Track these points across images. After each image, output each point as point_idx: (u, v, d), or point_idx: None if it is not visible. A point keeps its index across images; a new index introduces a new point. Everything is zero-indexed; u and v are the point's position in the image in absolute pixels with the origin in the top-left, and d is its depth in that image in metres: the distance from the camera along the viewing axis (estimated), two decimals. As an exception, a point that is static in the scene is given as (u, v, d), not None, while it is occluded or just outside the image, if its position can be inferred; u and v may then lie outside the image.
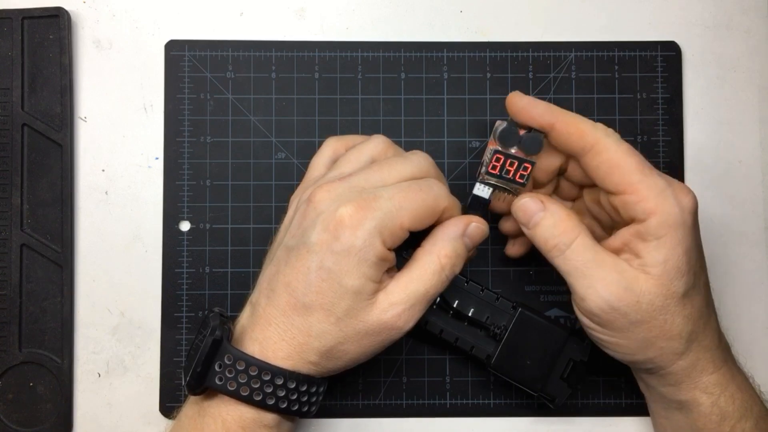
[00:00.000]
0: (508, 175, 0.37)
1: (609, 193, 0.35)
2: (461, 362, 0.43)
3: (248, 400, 0.33)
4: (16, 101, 0.43)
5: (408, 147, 0.44)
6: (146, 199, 0.43)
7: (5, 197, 0.43)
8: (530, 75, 0.44)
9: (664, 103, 0.44)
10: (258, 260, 0.43)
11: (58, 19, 0.43)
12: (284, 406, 0.34)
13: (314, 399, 0.35)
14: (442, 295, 0.37)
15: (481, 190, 0.38)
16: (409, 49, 0.44)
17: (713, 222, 0.44)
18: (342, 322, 0.34)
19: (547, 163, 0.38)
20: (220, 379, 0.33)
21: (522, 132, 0.36)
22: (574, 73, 0.44)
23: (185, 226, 0.43)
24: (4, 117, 0.43)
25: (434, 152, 0.44)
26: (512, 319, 0.39)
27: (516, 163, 0.36)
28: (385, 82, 0.44)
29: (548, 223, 0.35)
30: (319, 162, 0.39)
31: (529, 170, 0.36)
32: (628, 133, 0.44)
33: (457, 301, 0.39)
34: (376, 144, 0.37)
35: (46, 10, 0.43)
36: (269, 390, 0.33)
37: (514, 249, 0.42)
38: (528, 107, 0.36)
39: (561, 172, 0.39)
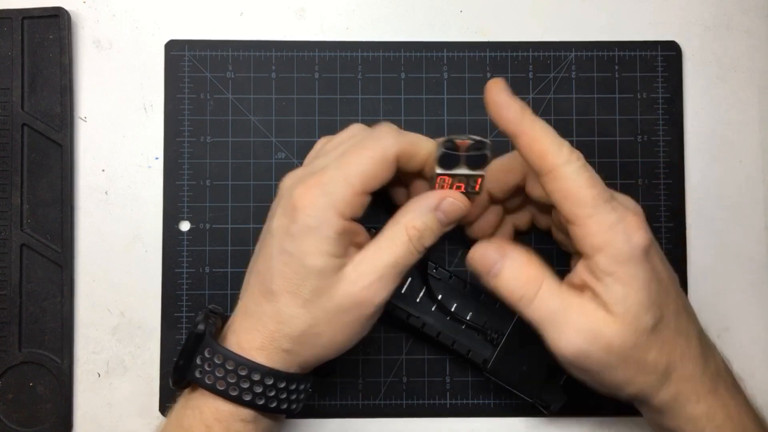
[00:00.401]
0: (460, 189, 0.35)
1: (564, 219, 0.34)
2: (461, 363, 0.43)
3: (225, 395, 0.34)
4: (16, 101, 0.43)
5: (408, 147, 0.44)
6: (146, 199, 0.43)
7: (5, 197, 0.43)
8: (530, 75, 0.44)
9: (665, 103, 0.44)
10: (258, 260, 0.43)
11: (58, 19, 0.43)
12: (261, 402, 0.34)
13: (294, 397, 0.35)
14: (439, 299, 0.37)
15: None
16: (409, 49, 0.44)
17: (713, 222, 0.44)
18: (310, 304, 0.33)
19: (504, 180, 0.37)
20: (200, 373, 0.34)
21: (464, 146, 0.34)
22: (574, 72, 0.44)
23: (185, 226, 0.43)
24: (4, 117, 0.43)
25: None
26: (510, 325, 0.39)
27: (465, 180, 0.34)
28: (385, 82, 0.44)
29: (509, 274, 0.34)
30: (307, 158, 0.39)
31: (479, 182, 0.35)
32: (628, 133, 0.44)
33: (455, 305, 0.39)
34: (350, 129, 0.37)
35: (46, 10, 0.43)
36: (246, 386, 0.33)
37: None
38: (501, 106, 0.34)
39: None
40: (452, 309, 0.39)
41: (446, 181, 0.34)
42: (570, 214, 0.33)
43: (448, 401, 0.43)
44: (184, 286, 0.43)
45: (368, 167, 0.34)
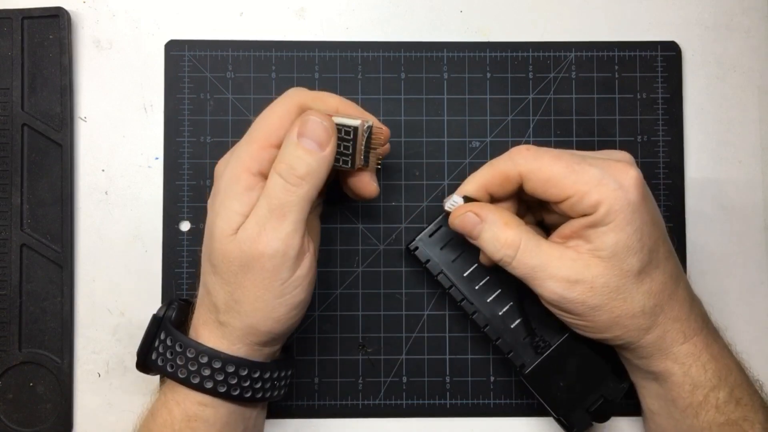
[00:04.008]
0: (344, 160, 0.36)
1: (557, 203, 0.36)
2: (461, 363, 0.43)
3: (186, 383, 0.34)
4: (16, 101, 0.43)
5: (408, 147, 0.44)
6: (146, 199, 0.43)
7: (5, 197, 0.43)
8: (530, 75, 0.44)
9: (664, 103, 0.44)
10: (258, 260, 0.43)
11: (58, 19, 0.43)
12: (210, 386, 0.34)
13: (259, 385, 0.35)
14: (498, 293, 0.40)
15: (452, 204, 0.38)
16: (409, 49, 0.44)
17: (713, 222, 0.44)
18: (218, 268, 0.34)
19: (501, 186, 0.38)
20: (158, 357, 0.35)
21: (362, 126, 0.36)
22: (574, 73, 0.44)
23: (185, 226, 0.43)
24: (4, 117, 0.43)
25: (434, 152, 0.44)
26: (560, 338, 0.39)
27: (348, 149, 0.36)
28: (385, 82, 0.44)
29: (488, 236, 0.36)
30: None
31: (351, 134, 0.35)
32: (628, 133, 0.44)
33: (510, 304, 0.40)
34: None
35: (46, 10, 0.43)
36: (207, 373, 0.34)
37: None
38: (458, 218, 0.37)
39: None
40: (507, 307, 0.40)
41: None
42: (559, 193, 0.35)
43: (448, 401, 0.43)
44: (184, 286, 0.43)
45: (270, 121, 0.35)
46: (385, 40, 0.44)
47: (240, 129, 0.43)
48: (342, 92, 0.44)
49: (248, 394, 0.35)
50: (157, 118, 0.44)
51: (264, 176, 0.34)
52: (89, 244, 0.43)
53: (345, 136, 0.35)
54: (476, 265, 0.41)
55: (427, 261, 0.41)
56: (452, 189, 0.43)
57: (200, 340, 0.35)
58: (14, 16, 0.43)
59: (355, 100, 0.44)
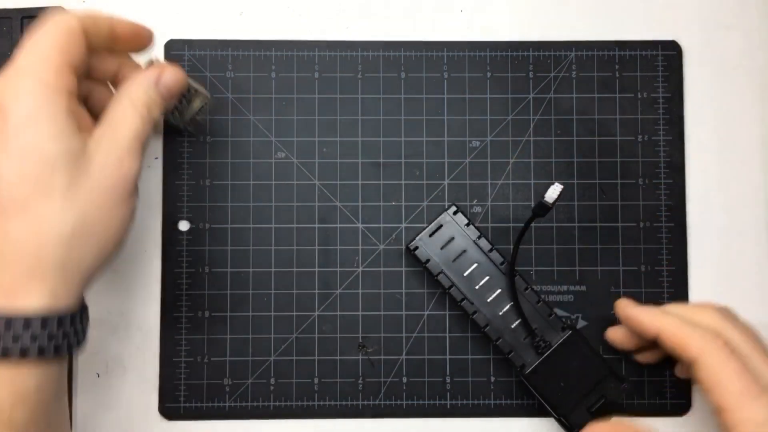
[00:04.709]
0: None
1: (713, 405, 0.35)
2: (461, 363, 0.43)
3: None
4: (16, 101, 0.43)
5: (408, 147, 0.44)
6: (146, 199, 0.43)
7: (5, 197, 0.43)
8: (530, 75, 0.44)
9: (665, 103, 0.44)
10: (258, 260, 0.43)
11: (58, 18, 0.43)
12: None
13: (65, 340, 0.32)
14: (498, 292, 0.39)
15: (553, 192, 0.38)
16: (409, 49, 0.44)
17: (714, 221, 0.44)
18: (71, 194, 0.31)
19: (631, 342, 0.39)
20: None
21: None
22: (574, 72, 0.44)
23: (185, 225, 0.43)
24: (3, 117, 0.43)
25: (434, 152, 0.44)
26: (560, 339, 0.39)
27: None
28: (385, 81, 0.44)
29: None
30: None
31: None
32: (629, 132, 0.44)
33: (510, 304, 0.40)
34: None
35: (46, 10, 0.43)
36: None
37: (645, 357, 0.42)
38: (635, 317, 0.37)
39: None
40: (507, 307, 0.40)
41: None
42: (719, 402, 0.34)
43: (448, 401, 0.43)
44: (184, 286, 0.43)
45: (57, 38, 0.32)
46: (385, 40, 0.44)
47: (240, 129, 0.43)
48: (342, 92, 0.44)
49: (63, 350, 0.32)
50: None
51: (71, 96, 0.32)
52: (89, 244, 0.43)
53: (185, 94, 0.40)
54: (476, 264, 0.41)
55: (427, 261, 0.41)
56: (452, 188, 0.43)
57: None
58: (14, 15, 0.43)
59: (355, 100, 0.44)
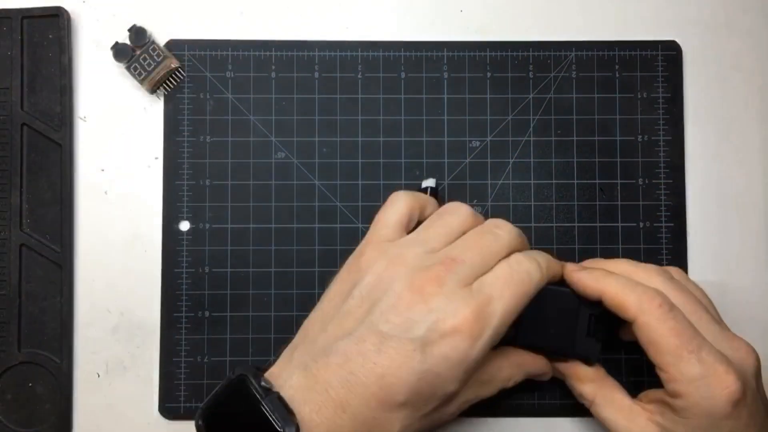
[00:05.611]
0: None
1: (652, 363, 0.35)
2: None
3: None
4: (16, 101, 0.43)
5: (408, 147, 0.44)
6: (146, 199, 0.43)
7: (4, 197, 0.43)
8: (530, 75, 0.44)
9: (665, 103, 0.44)
10: (258, 260, 0.43)
11: (58, 18, 0.43)
12: None
13: None
14: None
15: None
16: (409, 49, 0.44)
17: (714, 222, 0.44)
18: (426, 418, 0.33)
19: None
20: None
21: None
22: (574, 72, 0.44)
23: (185, 225, 0.43)
24: (3, 117, 0.43)
25: (434, 152, 0.44)
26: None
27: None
28: (385, 81, 0.44)
29: (600, 411, 0.38)
30: (392, 220, 0.37)
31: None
32: (629, 132, 0.44)
33: None
34: (463, 215, 0.37)
35: (46, 10, 0.43)
36: None
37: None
38: (580, 279, 0.37)
39: None
40: None
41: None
42: (654, 360, 0.34)
43: (448, 401, 0.43)
44: (184, 286, 0.43)
45: (522, 304, 0.34)
46: (385, 40, 0.44)
47: (240, 128, 0.43)
48: (342, 92, 0.44)
49: None
50: (157, 118, 0.44)
51: None
52: (89, 243, 0.43)
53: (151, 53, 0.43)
54: None
55: None
56: (452, 188, 0.43)
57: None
58: (14, 15, 0.43)
59: (355, 100, 0.44)
